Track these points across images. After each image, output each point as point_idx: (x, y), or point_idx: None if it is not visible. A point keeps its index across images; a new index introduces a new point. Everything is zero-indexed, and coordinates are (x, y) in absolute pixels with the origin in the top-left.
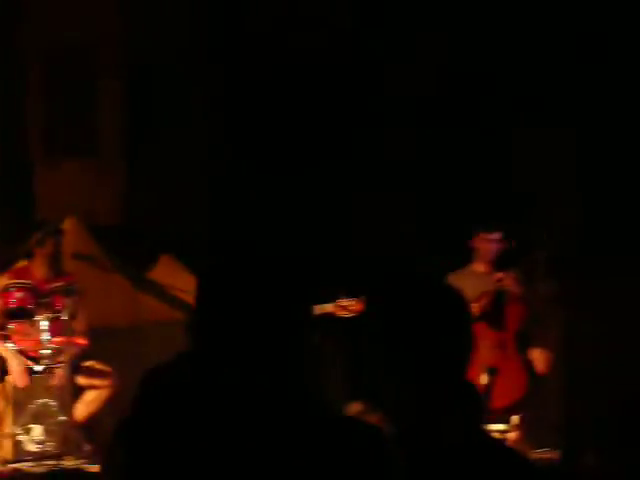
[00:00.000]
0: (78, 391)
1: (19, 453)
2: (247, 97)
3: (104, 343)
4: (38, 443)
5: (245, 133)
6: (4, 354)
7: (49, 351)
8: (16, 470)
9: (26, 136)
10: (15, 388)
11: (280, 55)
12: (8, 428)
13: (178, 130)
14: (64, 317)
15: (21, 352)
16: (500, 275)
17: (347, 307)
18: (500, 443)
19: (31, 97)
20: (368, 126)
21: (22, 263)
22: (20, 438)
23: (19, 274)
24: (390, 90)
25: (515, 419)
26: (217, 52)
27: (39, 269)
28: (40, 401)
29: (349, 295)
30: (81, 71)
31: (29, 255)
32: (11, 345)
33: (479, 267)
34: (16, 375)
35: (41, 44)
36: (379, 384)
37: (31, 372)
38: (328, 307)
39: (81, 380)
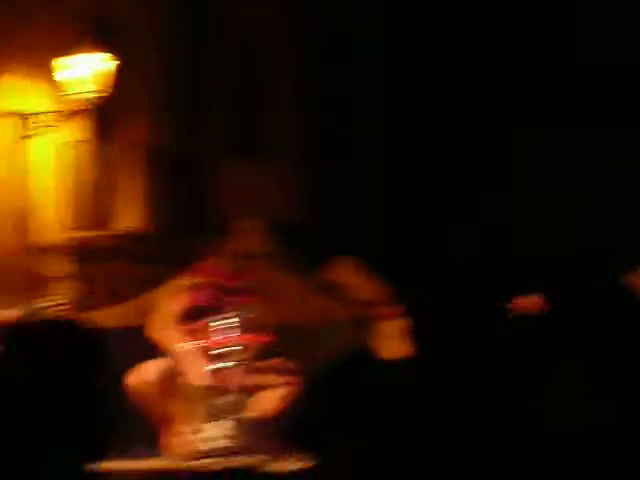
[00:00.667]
0: (262, 389)
1: (197, 450)
2: (424, 93)
3: (286, 341)
4: (217, 440)
5: (420, 131)
6: (182, 353)
7: (233, 349)
8: (194, 467)
9: (206, 137)
10: (194, 386)
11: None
12: (187, 426)
13: (353, 130)
14: (249, 315)
15: (207, 349)
16: None
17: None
18: None
19: (212, 99)
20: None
21: (203, 262)
22: (199, 435)
23: (201, 272)
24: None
25: None
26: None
27: (220, 268)
28: (221, 399)
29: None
30: (257, 73)
31: (210, 254)
32: (196, 342)
33: None
34: (197, 373)
35: (223, 47)
36: None
37: (213, 369)
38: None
39: (261, 378)
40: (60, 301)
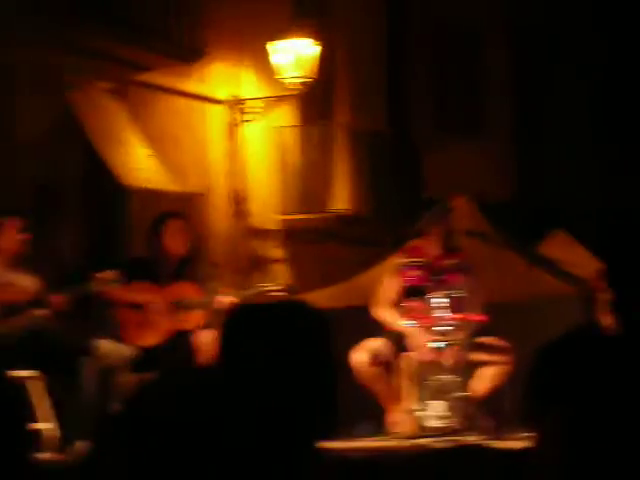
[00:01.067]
0: (477, 367)
1: (420, 429)
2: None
3: (499, 319)
4: (439, 419)
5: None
6: (405, 330)
7: (447, 328)
8: (417, 445)
9: (416, 118)
10: (416, 364)
11: None
12: (409, 404)
13: (562, 108)
14: (460, 294)
15: (418, 329)
16: None
17: None
18: None
19: (419, 81)
20: None
21: (415, 242)
22: (421, 414)
23: (412, 252)
24: None
25: None
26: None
27: (431, 247)
28: (440, 377)
29: None
30: (467, 54)
31: (421, 234)
32: (408, 323)
33: None
34: (419, 350)
35: (427, 28)
36: None
37: (431, 349)
38: None
39: (480, 356)
40: (277, 284)
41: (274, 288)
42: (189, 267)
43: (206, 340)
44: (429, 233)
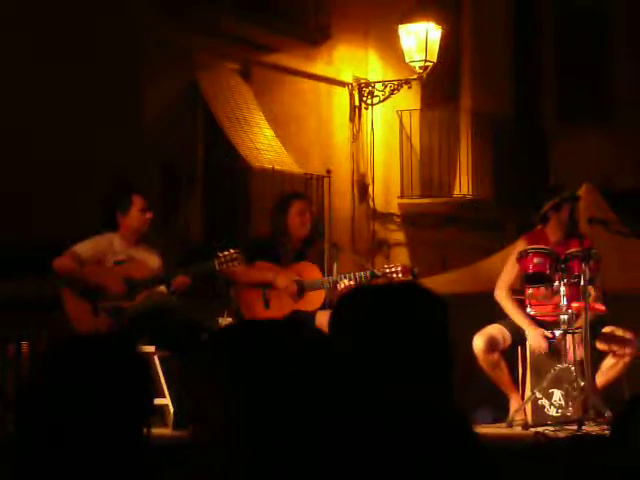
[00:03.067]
0: (598, 357)
1: (540, 417)
2: None
3: (623, 309)
4: (558, 408)
5: None
6: (522, 324)
7: (567, 316)
8: (537, 434)
9: (541, 103)
10: (534, 353)
11: None
12: (529, 392)
13: None
14: (582, 282)
15: (539, 317)
16: None
17: None
18: None
19: (545, 65)
20: None
21: (538, 228)
22: (541, 402)
23: (535, 239)
24: None
25: None
26: None
27: (554, 234)
28: (559, 366)
29: None
30: (595, 37)
31: (545, 220)
32: (529, 310)
33: None
34: (535, 341)
35: (554, 11)
36: None
37: (550, 337)
38: None
39: (600, 346)
40: (397, 267)
41: (394, 270)
42: (310, 248)
43: (326, 321)
44: (552, 220)
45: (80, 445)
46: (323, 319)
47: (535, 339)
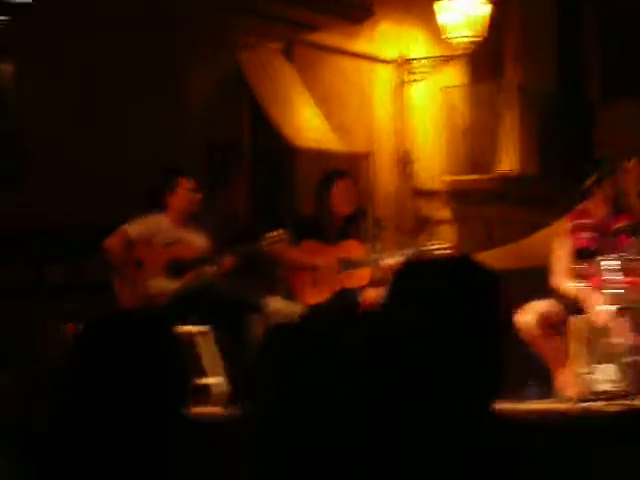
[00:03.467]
0: None
1: (590, 392)
2: None
3: None
4: (609, 382)
5: None
6: (580, 293)
7: (618, 291)
8: (587, 409)
9: (586, 78)
10: (586, 327)
11: None
12: (579, 367)
13: None
14: (630, 257)
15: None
16: None
17: None
18: None
19: (589, 40)
20: None
21: (584, 203)
22: (591, 377)
23: (581, 214)
24: None
25: None
26: None
27: (599, 209)
28: (611, 340)
29: None
30: (638, 12)
31: (590, 195)
32: (583, 284)
33: None
34: (596, 313)
35: None
36: None
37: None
38: None
39: None
40: (443, 244)
41: (440, 247)
42: (355, 226)
43: (372, 298)
44: (599, 194)
45: (112, 423)
46: (369, 295)
47: (595, 311)
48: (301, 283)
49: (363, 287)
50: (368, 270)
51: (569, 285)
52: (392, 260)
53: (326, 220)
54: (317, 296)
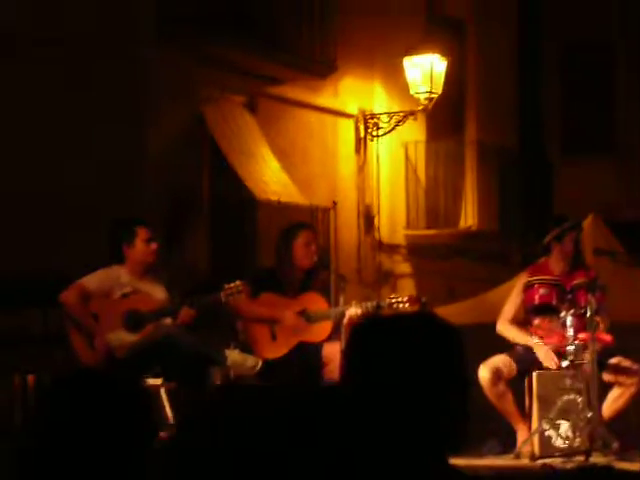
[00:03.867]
0: (604, 388)
1: (547, 448)
2: None
3: (629, 340)
4: (565, 439)
5: None
6: (528, 342)
7: (573, 347)
8: (545, 465)
9: (546, 134)
10: (541, 384)
11: None
12: (535, 423)
13: None
14: (588, 313)
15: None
16: None
17: None
18: None
19: (550, 97)
20: None
21: (542, 259)
22: (548, 433)
23: (540, 270)
24: None
25: None
26: None
27: (558, 265)
28: (566, 397)
29: None
30: (597, 73)
31: (547, 251)
32: (537, 340)
33: None
34: (546, 358)
35: (558, 47)
36: None
37: (557, 368)
38: None
39: (607, 377)
40: (404, 297)
41: (401, 300)
42: (314, 278)
43: (333, 352)
44: (555, 251)
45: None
46: (330, 350)
47: (546, 356)
48: (260, 336)
49: (323, 341)
50: (329, 323)
51: (508, 330)
52: (354, 312)
53: (286, 272)
54: (275, 350)
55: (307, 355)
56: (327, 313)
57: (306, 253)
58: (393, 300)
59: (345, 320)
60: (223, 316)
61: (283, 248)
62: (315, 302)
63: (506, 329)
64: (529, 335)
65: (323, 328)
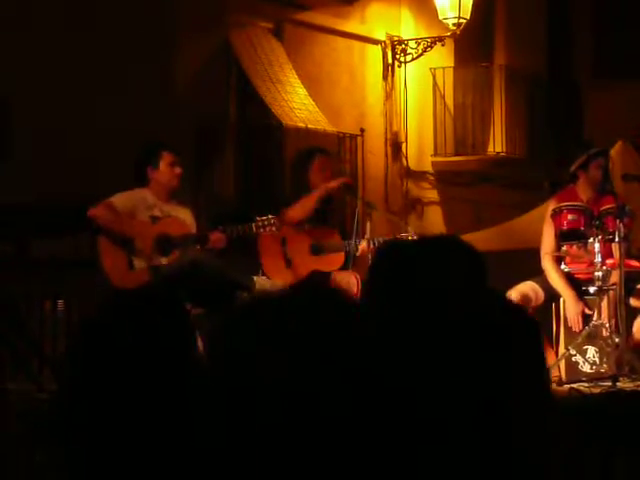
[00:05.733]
0: (632, 313)
1: (574, 373)
2: None
3: None
4: (592, 364)
5: None
6: (563, 293)
7: (601, 273)
8: (571, 390)
9: (576, 59)
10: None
11: None
12: (562, 349)
13: None
14: (616, 239)
15: (573, 275)
16: None
17: None
18: None
19: (579, 21)
20: None
21: (569, 187)
22: (575, 359)
23: (568, 196)
24: None
25: None
26: None
27: (585, 192)
28: (594, 323)
29: None
30: None
31: (574, 179)
32: (563, 267)
33: None
34: (572, 315)
35: None
36: None
37: (584, 294)
38: None
39: (634, 302)
40: (411, 230)
41: (409, 234)
42: (330, 205)
43: (342, 281)
44: (582, 178)
45: (127, 404)
46: (340, 278)
47: (572, 317)
48: (275, 263)
49: (333, 271)
50: (342, 255)
51: (551, 271)
52: (364, 246)
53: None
54: (289, 278)
55: (317, 282)
56: (338, 245)
57: (322, 179)
58: (402, 235)
59: (358, 253)
60: (251, 245)
61: (298, 174)
62: (328, 235)
63: (549, 269)
64: (567, 281)
65: (336, 259)
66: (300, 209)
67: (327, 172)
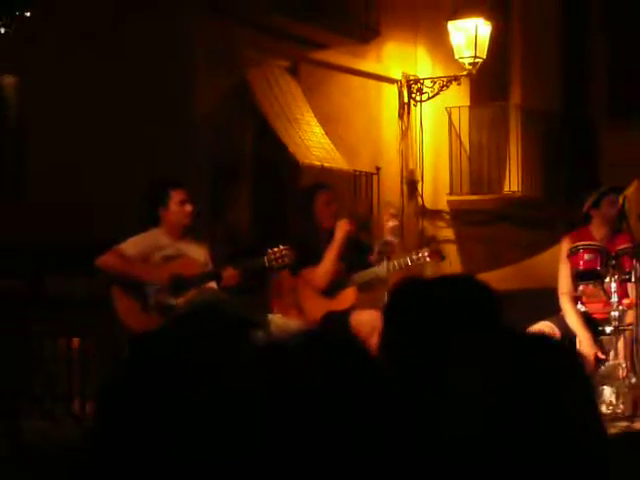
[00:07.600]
0: None
1: None
2: None
3: None
4: (609, 404)
5: None
6: (578, 335)
7: (618, 313)
8: None
9: (591, 97)
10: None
11: None
12: None
13: None
14: (632, 279)
15: (590, 314)
16: None
17: None
18: None
19: (595, 59)
20: None
21: (585, 225)
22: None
23: (581, 236)
24: None
25: None
26: None
27: (599, 231)
28: (610, 363)
29: None
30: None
31: (587, 219)
32: (579, 307)
33: None
34: (585, 346)
35: (603, 9)
36: None
37: (600, 334)
38: None
39: None
40: (424, 252)
41: (422, 255)
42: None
43: (362, 321)
44: (595, 217)
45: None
46: (359, 318)
47: (584, 339)
48: (287, 309)
49: (349, 309)
50: (353, 291)
51: (569, 311)
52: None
53: (317, 237)
54: (304, 316)
55: (335, 325)
56: (346, 281)
57: (328, 213)
58: (414, 257)
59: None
60: (266, 281)
61: (305, 211)
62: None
63: (568, 309)
64: (584, 327)
65: (348, 296)
66: (328, 263)
67: (332, 206)
